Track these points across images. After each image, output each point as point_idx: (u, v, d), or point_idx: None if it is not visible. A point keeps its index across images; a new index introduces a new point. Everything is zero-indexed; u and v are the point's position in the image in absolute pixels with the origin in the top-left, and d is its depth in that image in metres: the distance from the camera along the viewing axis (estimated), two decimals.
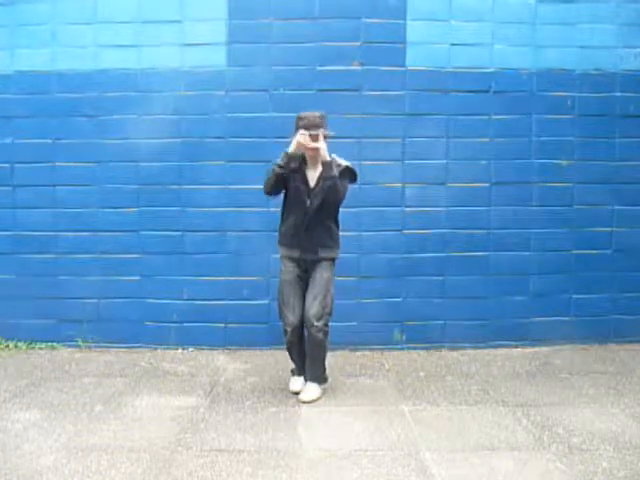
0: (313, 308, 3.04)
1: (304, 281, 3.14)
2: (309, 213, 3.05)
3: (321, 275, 3.09)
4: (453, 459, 2.44)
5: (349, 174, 3.12)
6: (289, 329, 3.11)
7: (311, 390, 3.14)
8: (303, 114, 3.01)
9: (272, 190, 3.09)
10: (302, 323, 3.12)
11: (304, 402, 3.08)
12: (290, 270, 3.13)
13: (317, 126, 2.96)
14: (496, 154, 4.05)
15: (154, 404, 3.07)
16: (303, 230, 3.07)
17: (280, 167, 2.99)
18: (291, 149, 2.99)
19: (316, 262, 3.10)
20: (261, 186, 3.12)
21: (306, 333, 3.14)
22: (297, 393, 3.18)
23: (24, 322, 4.08)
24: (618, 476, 2.30)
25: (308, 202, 3.04)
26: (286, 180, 3.06)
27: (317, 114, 3.00)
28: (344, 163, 3.09)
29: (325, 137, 3.00)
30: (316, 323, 3.03)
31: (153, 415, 2.92)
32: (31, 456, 2.46)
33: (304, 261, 3.11)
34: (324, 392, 3.19)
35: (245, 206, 3.98)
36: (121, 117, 4.03)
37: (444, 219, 4.05)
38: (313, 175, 3.08)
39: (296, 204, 3.08)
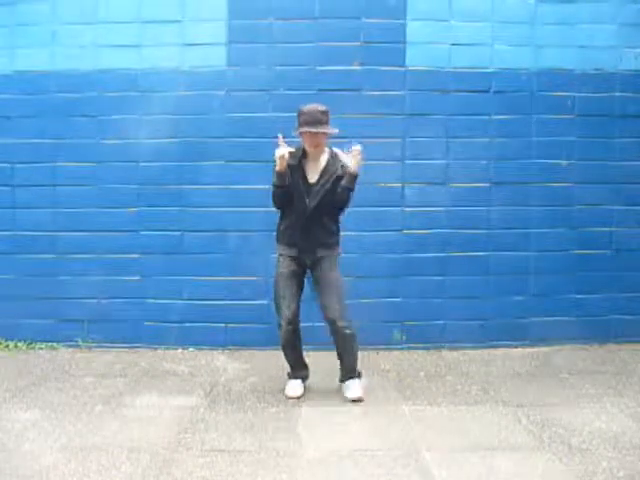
0: (335, 311, 3.01)
1: (301, 276, 3.12)
2: (308, 212, 3.00)
3: (330, 274, 3.06)
4: (453, 459, 2.44)
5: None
6: (284, 323, 3.06)
7: (356, 387, 3.11)
8: (305, 108, 2.94)
9: (283, 203, 3.05)
10: (297, 317, 3.08)
11: (354, 401, 3.04)
12: (287, 264, 3.09)
13: (319, 122, 2.90)
14: (496, 154, 4.04)
15: (154, 404, 3.07)
16: (300, 229, 3.03)
17: (278, 186, 2.97)
18: (278, 167, 2.92)
19: (317, 261, 3.08)
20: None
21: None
22: (297, 398, 3.13)
23: (24, 322, 4.08)
24: (618, 476, 2.30)
25: (307, 200, 2.99)
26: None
27: (319, 109, 2.93)
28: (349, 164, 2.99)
29: (328, 135, 2.95)
30: (340, 323, 3.01)
31: (153, 415, 2.92)
32: (31, 456, 2.45)
33: (303, 260, 3.09)
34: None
35: (245, 206, 3.97)
36: (121, 117, 4.02)
37: (444, 219, 4.05)
38: (314, 169, 3.02)
39: (294, 202, 3.02)
